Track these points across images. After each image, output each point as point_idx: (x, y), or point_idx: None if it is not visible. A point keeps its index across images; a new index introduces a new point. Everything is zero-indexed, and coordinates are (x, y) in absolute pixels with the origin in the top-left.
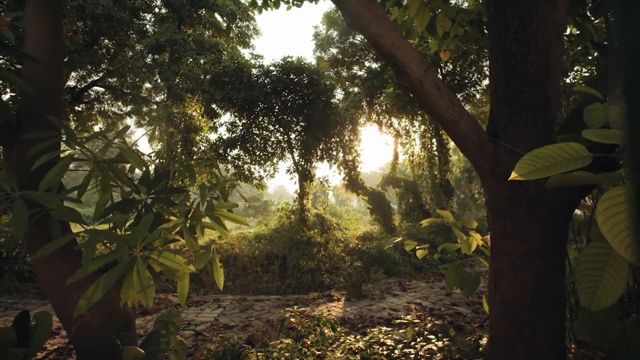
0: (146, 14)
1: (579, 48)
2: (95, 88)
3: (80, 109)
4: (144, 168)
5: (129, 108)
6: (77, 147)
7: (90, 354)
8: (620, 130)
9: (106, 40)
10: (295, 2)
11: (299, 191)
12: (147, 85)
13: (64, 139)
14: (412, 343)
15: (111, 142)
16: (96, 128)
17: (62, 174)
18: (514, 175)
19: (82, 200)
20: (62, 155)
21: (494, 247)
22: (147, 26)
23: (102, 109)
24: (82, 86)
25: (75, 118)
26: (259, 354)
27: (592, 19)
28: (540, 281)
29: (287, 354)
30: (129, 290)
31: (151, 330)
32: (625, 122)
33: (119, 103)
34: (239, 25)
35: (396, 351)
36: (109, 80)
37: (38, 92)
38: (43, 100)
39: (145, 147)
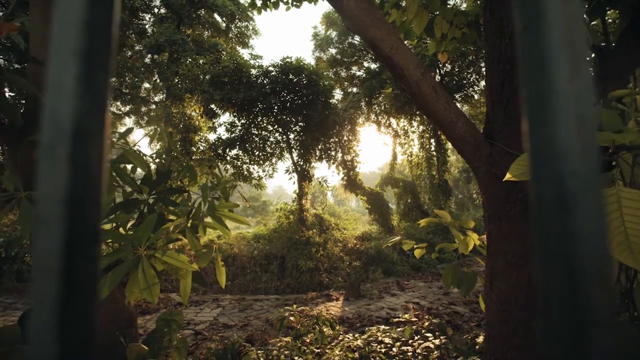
0: (145, 14)
1: None
2: None
3: None
4: (146, 169)
5: (127, 108)
6: None
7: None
8: (610, 132)
9: None
10: (294, 3)
11: (297, 191)
12: (146, 85)
13: None
14: (410, 341)
15: (115, 144)
16: None
17: None
18: (508, 176)
19: None
20: None
21: (490, 246)
22: (146, 26)
23: None
24: None
25: None
26: (259, 352)
27: (588, 21)
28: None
29: (286, 352)
30: (133, 288)
31: (154, 328)
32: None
33: (118, 103)
34: (238, 25)
35: (394, 349)
36: None
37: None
38: None
39: (144, 147)
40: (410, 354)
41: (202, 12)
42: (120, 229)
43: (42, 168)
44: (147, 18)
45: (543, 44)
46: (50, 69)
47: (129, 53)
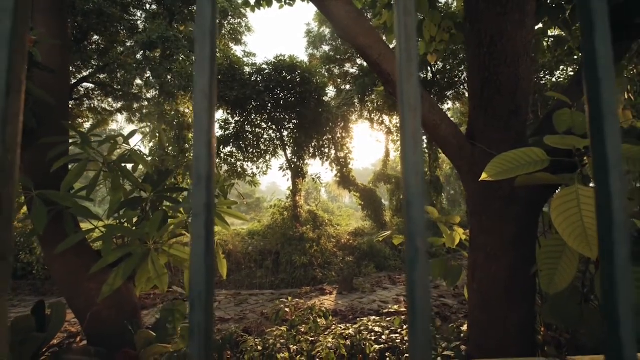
0: (137, 10)
1: (558, 52)
2: (84, 84)
3: (69, 105)
4: (151, 168)
5: (119, 105)
6: (90, 150)
7: (101, 340)
8: (576, 135)
9: (96, 36)
10: (287, 1)
11: (291, 188)
12: (138, 81)
13: (78, 142)
14: (399, 330)
15: (119, 145)
16: (86, 125)
17: (80, 175)
18: (484, 176)
19: (93, 199)
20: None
21: (472, 240)
22: (138, 23)
23: (92, 105)
24: (72, 82)
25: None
26: (256, 340)
27: (571, 23)
28: (512, 271)
29: (282, 341)
30: (142, 279)
31: (159, 317)
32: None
33: (109, 99)
34: (231, 22)
35: (383, 337)
36: (99, 76)
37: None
38: (53, 107)
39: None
40: (398, 341)
41: (194, 8)
42: (126, 225)
43: (195, 190)
44: (139, 14)
45: (405, 135)
46: (195, 145)
47: (121, 49)
